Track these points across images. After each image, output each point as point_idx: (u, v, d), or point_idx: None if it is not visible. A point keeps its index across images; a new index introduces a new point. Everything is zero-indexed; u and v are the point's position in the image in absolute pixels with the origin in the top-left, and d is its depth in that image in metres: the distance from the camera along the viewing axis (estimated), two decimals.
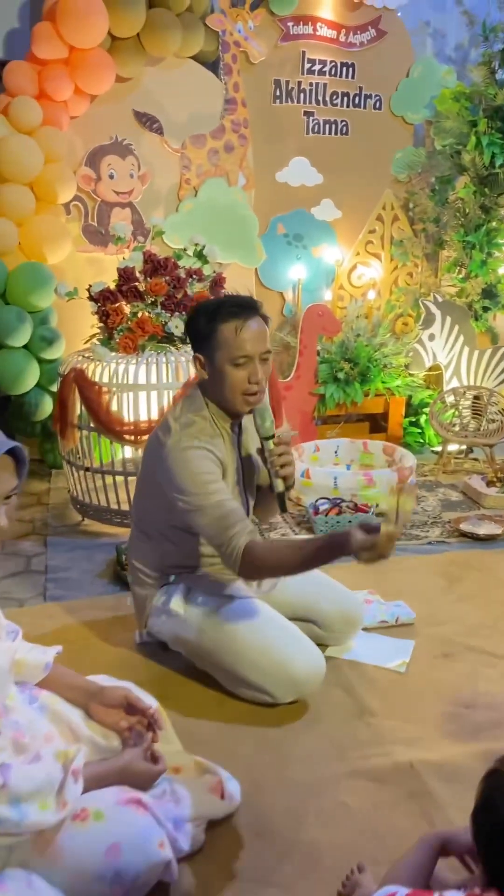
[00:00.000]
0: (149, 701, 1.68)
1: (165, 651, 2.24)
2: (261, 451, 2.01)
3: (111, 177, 4.10)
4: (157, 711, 1.65)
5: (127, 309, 3.20)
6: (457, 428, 4.19)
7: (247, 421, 2.12)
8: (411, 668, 2.21)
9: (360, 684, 2.12)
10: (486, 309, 4.64)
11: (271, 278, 4.61)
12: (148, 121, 4.14)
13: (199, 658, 2.11)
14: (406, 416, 4.59)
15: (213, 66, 4.24)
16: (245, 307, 1.95)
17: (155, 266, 3.27)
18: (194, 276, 3.36)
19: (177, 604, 2.09)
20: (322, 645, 2.26)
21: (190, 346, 2.06)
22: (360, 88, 4.54)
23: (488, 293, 4.60)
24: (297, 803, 1.67)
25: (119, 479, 3.26)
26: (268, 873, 1.48)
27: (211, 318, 1.94)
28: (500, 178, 4.34)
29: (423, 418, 4.61)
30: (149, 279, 3.23)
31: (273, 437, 1.97)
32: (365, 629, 2.39)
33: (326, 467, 3.81)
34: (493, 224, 4.48)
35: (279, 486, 1.98)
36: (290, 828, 1.60)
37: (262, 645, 1.96)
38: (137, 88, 4.08)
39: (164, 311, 3.23)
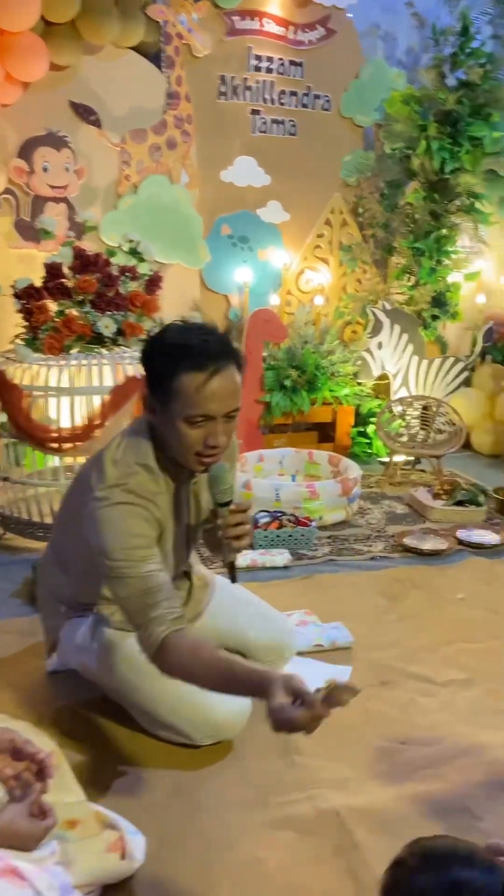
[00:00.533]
0: (42, 745, 1.47)
1: (79, 679, 2.03)
2: (213, 514, 1.70)
3: (45, 170, 3.88)
4: (49, 757, 1.43)
5: (53, 307, 2.98)
6: (404, 438, 4.07)
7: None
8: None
9: None
10: (434, 318, 4.54)
11: (216, 281, 4.44)
12: (85, 112, 3.94)
13: (112, 692, 1.91)
14: (354, 426, 4.46)
15: (155, 58, 4.06)
16: (216, 356, 1.54)
17: (85, 262, 3.06)
18: (128, 274, 3.16)
19: (84, 636, 1.88)
20: None
21: (120, 347, 1.74)
22: (309, 88, 4.42)
23: (437, 301, 4.51)
24: (207, 861, 1.47)
25: (43, 489, 3.03)
26: None
27: (171, 361, 1.54)
28: (449, 185, 4.26)
29: (371, 428, 4.48)
30: (77, 276, 3.02)
31: (229, 503, 1.63)
32: (299, 654, 2.21)
33: (269, 478, 3.64)
34: (443, 231, 4.39)
35: (231, 557, 1.66)
36: (196, 891, 1.40)
37: (179, 687, 1.74)
38: (74, 78, 3.88)
39: (93, 311, 3.02)
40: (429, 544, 3.07)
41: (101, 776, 1.69)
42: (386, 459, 4.15)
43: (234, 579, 1.69)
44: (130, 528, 1.58)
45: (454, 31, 4.10)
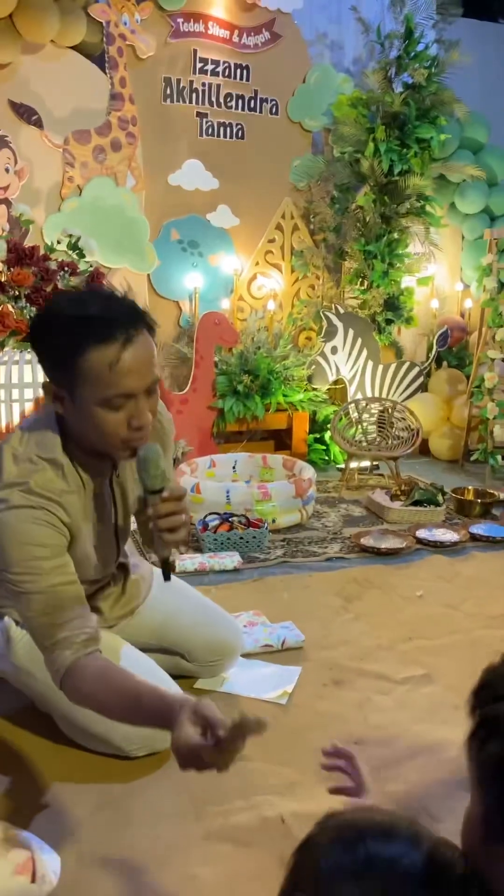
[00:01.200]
0: None
1: (3, 687, 1.84)
2: (144, 504, 1.42)
3: None
4: None
5: None
6: (362, 443, 3.97)
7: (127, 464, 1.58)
8: (294, 699, 1.88)
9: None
10: (389, 321, 4.48)
11: (165, 286, 4.32)
12: (26, 112, 3.83)
13: (37, 699, 1.72)
14: (310, 433, 4.35)
15: (98, 59, 3.97)
16: (125, 323, 1.31)
17: (20, 255, 2.91)
18: (66, 269, 3.02)
19: (8, 625, 1.69)
20: (192, 677, 1.91)
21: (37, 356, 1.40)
22: (256, 92, 4.37)
23: (391, 305, 4.45)
24: (133, 880, 1.30)
25: None
26: None
27: (73, 339, 1.30)
28: (399, 187, 4.22)
29: (327, 434, 4.37)
30: (11, 269, 2.87)
31: (160, 491, 1.36)
32: (245, 655, 2.06)
33: (219, 482, 3.49)
34: (395, 235, 4.35)
35: (163, 552, 1.40)
36: None
37: None
38: (14, 77, 3.77)
39: (28, 305, 2.87)
40: (386, 543, 2.94)
41: (16, 793, 1.51)
42: (343, 466, 4.04)
43: (167, 577, 1.45)
44: (31, 537, 1.36)
45: (399, 34, 4.10)
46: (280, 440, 4.34)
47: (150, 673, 1.63)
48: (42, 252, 3.01)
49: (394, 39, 4.13)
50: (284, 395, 4.16)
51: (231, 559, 2.74)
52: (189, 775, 1.55)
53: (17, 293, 2.88)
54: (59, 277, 3.00)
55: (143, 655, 1.71)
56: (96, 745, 1.62)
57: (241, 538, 2.89)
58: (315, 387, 4.30)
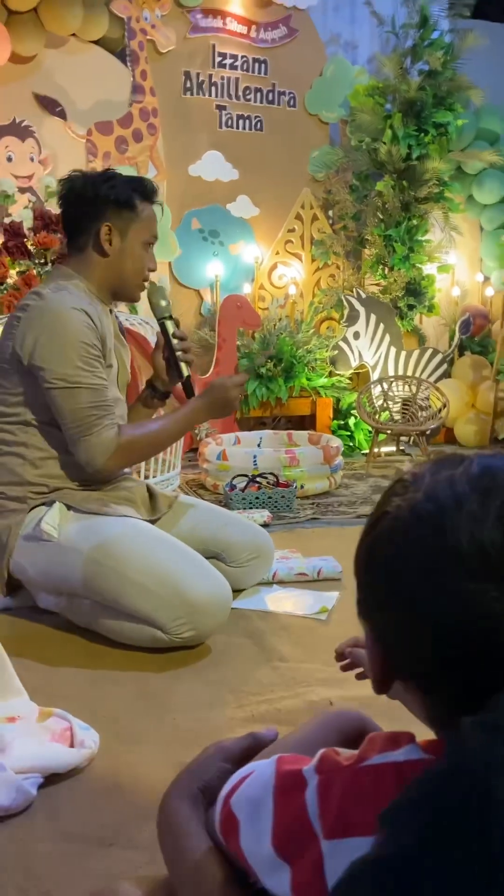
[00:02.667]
0: None
1: (35, 612, 1.79)
2: (160, 334, 1.84)
3: (9, 159, 3.82)
4: None
5: (9, 262, 2.85)
6: (389, 420, 3.92)
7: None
8: (334, 617, 1.81)
9: (271, 631, 1.72)
10: (410, 307, 4.47)
11: (187, 275, 4.35)
12: (50, 104, 3.92)
13: (74, 599, 1.68)
14: (334, 419, 4.31)
15: (119, 54, 4.08)
16: (154, 190, 1.82)
17: (46, 222, 2.95)
18: None
19: (50, 524, 1.65)
20: None
21: (82, 212, 1.75)
22: (274, 85, 4.46)
23: (412, 291, 4.44)
24: (172, 755, 1.22)
25: None
26: (116, 834, 1.02)
27: (134, 191, 1.75)
28: (417, 171, 4.26)
29: (351, 421, 4.33)
30: (38, 234, 2.91)
31: (171, 316, 1.84)
32: (280, 583, 1.99)
33: (247, 447, 3.44)
34: (414, 222, 4.37)
35: (185, 369, 1.81)
36: (159, 781, 1.14)
37: (153, 566, 1.57)
38: (38, 70, 3.87)
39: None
40: None
41: (54, 684, 1.45)
42: (367, 451, 3.99)
43: (191, 393, 1.79)
44: (87, 336, 1.65)
45: (413, 24, 4.18)
46: (303, 427, 4.30)
47: (183, 552, 1.64)
48: None
49: (409, 29, 4.21)
50: (308, 379, 4.14)
51: (261, 514, 2.68)
52: (226, 671, 1.51)
53: (43, 259, 2.91)
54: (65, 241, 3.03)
55: (178, 540, 1.70)
56: (137, 635, 1.59)
57: (270, 497, 2.83)
58: (338, 372, 4.28)
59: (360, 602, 0.57)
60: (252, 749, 0.75)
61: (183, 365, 1.80)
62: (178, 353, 1.80)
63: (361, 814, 0.52)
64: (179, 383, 1.83)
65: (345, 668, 1.00)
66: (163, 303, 1.82)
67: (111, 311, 1.86)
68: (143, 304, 3.28)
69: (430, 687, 0.53)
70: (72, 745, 1.19)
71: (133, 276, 1.79)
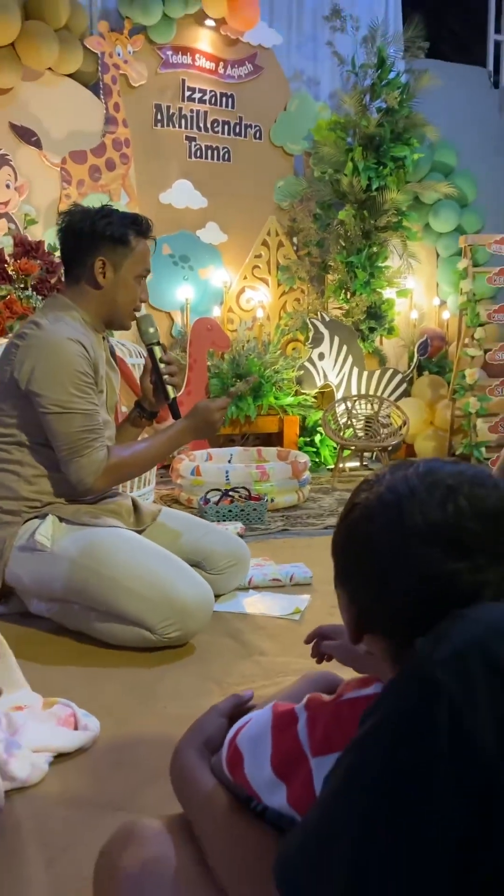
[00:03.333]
0: None
1: (26, 618, 1.91)
2: (148, 359, 1.97)
3: None
4: None
5: None
6: (353, 437, 4.11)
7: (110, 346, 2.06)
8: (308, 617, 1.97)
9: (250, 630, 1.86)
10: (371, 329, 4.70)
11: (158, 298, 4.51)
12: (25, 133, 4.07)
13: (66, 605, 1.80)
14: (301, 436, 4.50)
15: (94, 88, 4.26)
16: (149, 227, 1.93)
17: (26, 249, 3.08)
18: None
19: (43, 535, 1.78)
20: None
21: (79, 245, 1.86)
22: (241, 118, 4.68)
23: (373, 314, 4.67)
24: (167, 735, 1.36)
25: None
26: (123, 800, 1.16)
27: (129, 227, 1.86)
28: (377, 202, 4.50)
29: (317, 437, 4.52)
30: (18, 261, 3.04)
31: (159, 342, 1.96)
32: (255, 588, 2.14)
33: (218, 463, 3.59)
34: (374, 249, 4.61)
35: (171, 392, 1.94)
36: (157, 756, 1.28)
37: (142, 572, 1.70)
38: (14, 101, 4.02)
39: (35, 294, 3.02)
40: None
41: (52, 680, 1.57)
42: (332, 467, 4.18)
43: (176, 414, 1.92)
44: (80, 365, 1.76)
45: (372, 64, 4.44)
46: (271, 444, 4.47)
47: (169, 559, 1.77)
48: (45, 247, 3.19)
49: (367, 69, 4.48)
50: (275, 398, 4.32)
51: (234, 526, 2.83)
52: (210, 666, 1.65)
53: (23, 284, 3.04)
54: (62, 271, 3.17)
55: (163, 548, 1.83)
56: (127, 636, 1.71)
57: (242, 510, 2.98)
58: (304, 391, 4.47)
59: (337, 574, 0.73)
60: (238, 705, 0.91)
61: (169, 388, 1.93)
62: (165, 377, 1.93)
63: (341, 734, 0.67)
64: (166, 404, 1.97)
65: (320, 659, 1.13)
66: (150, 330, 1.93)
67: (104, 338, 1.98)
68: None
69: (394, 635, 0.68)
70: (76, 729, 1.32)
71: (125, 307, 1.90)
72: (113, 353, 2.06)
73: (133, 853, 0.77)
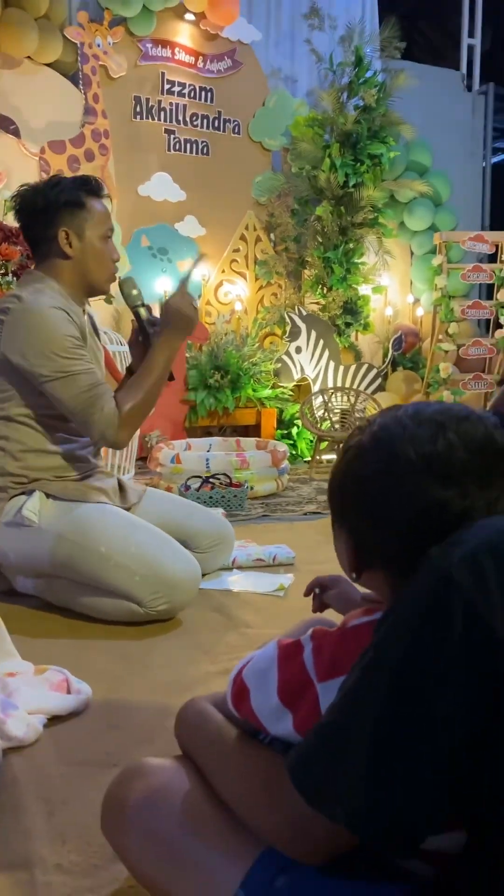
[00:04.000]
0: None
1: (12, 595, 1.91)
2: (136, 321, 1.90)
3: None
4: None
5: None
6: (330, 429, 4.16)
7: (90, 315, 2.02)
8: (292, 593, 2.00)
9: (235, 605, 1.89)
10: (347, 324, 4.76)
11: None
12: (3, 122, 4.04)
13: (53, 580, 1.81)
14: (278, 429, 4.53)
15: (73, 78, 4.25)
16: (99, 185, 1.91)
17: (6, 234, 3.07)
18: None
19: (31, 510, 1.78)
20: None
21: (37, 222, 1.84)
22: (220, 113, 4.71)
23: (349, 309, 4.74)
24: (159, 699, 1.38)
25: None
26: (120, 757, 1.18)
27: (80, 189, 1.83)
28: (353, 198, 4.57)
29: (294, 430, 4.57)
30: None
31: (144, 304, 1.90)
32: (239, 568, 2.17)
33: (198, 452, 3.61)
34: (351, 245, 4.68)
35: None
36: (151, 718, 1.31)
37: (130, 545, 1.72)
38: None
39: (16, 279, 3.02)
40: None
41: (42, 651, 1.58)
42: (309, 459, 4.22)
43: (170, 377, 1.90)
44: (68, 330, 1.76)
45: (349, 62, 4.50)
46: (249, 436, 4.50)
47: (156, 534, 1.79)
48: None
49: (345, 67, 4.54)
50: (253, 390, 4.35)
51: (216, 512, 2.85)
52: (199, 638, 1.67)
53: (3, 269, 3.03)
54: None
55: (149, 524, 1.84)
56: (114, 610, 1.72)
57: (223, 496, 3.01)
58: (282, 384, 4.51)
59: (334, 514, 0.76)
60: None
61: None
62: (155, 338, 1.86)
63: (347, 659, 0.70)
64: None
65: (315, 607, 1.17)
66: (134, 292, 1.89)
67: (84, 311, 1.95)
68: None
69: (391, 564, 0.72)
70: (69, 693, 1.34)
71: (99, 272, 1.87)
72: (95, 329, 2.05)
73: (140, 785, 0.79)
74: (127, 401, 1.78)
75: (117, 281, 1.93)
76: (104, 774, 1.11)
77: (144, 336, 1.88)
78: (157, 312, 1.90)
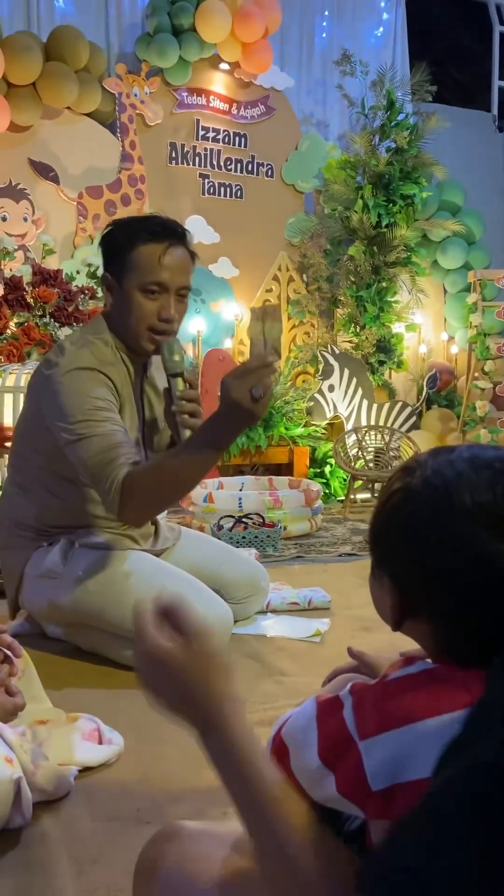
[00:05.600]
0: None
1: (44, 639, 1.89)
2: (167, 391, 1.65)
3: (3, 219, 4.03)
4: (14, 642, 1.32)
5: (10, 314, 3.01)
6: (364, 468, 4.12)
7: (156, 366, 1.83)
8: (328, 639, 1.94)
9: (270, 652, 1.84)
10: (381, 363, 4.74)
11: None
12: (43, 170, 4.17)
13: (81, 628, 1.78)
14: (311, 467, 4.50)
15: (111, 126, 4.37)
16: (172, 231, 1.67)
17: (44, 277, 3.14)
18: (86, 293, 3.25)
19: (54, 561, 1.77)
20: None
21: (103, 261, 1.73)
22: (253, 157, 4.79)
23: (382, 348, 4.72)
24: (194, 752, 1.32)
25: None
26: (152, 814, 1.13)
27: (130, 234, 1.65)
28: (386, 238, 4.58)
29: (327, 469, 4.52)
30: (36, 289, 3.09)
31: (182, 374, 1.63)
32: (273, 611, 2.12)
33: (231, 491, 3.59)
34: (384, 284, 4.68)
35: (185, 435, 1.60)
36: (185, 771, 1.26)
37: (157, 593, 1.65)
38: (34, 138, 4.13)
39: (53, 321, 3.07)
40: None
41: (72, 700, 1.54)
42: (343, 498, 4.17)
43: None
44: (90, 390, 1.60)
45: (381, 106, 4.57)
46: (281, 475, 4.47)
47: (185, 579, 1.73)
48: (63, 276, 3.24)
49: (377, 111, 4.60)
50: (286, 429, 4.33)
51: (248, 553, 2.81)
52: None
53: (41, 311, 3.09)
54: (80, 299, 3.22)
55: (179, 569, 1.80)
56: None
57: (256, 537, 2.97)
58: (314, 422, 4.48)
59: (377, 559, 0.73)
60: None
61: (186, 431, 1.60)
62: (182, 417, 1.61)
63: (389, 714, 0.66)
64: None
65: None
66: (176, 358, 1.63)
67: (145, 364, 1.80)
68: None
69: (436, 617, 0.68)
70: (100, 743, 1.30)
71: (133, 327, 1.67)
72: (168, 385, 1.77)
73: (174, 851, 0.75)
74: (141, 476, 1.51)
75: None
76: (135, 832, 1.07)
77: (170, 410, 1.63)
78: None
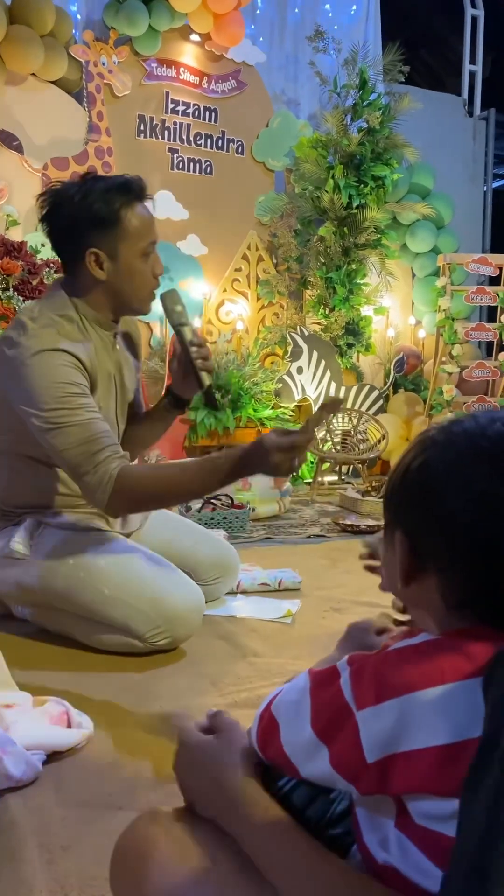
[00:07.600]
0: None
1: (11, 620, 1.83)
2: (179, 342, 1.66)
3: None
4: None
5: None
6: (332, 450, 4.11)
7: (125, 332, 1.84)
8: (299, 620, 1.93)
9: (242, 633, 1.81)
10: (349, 345, 4.72)
11: None
12: (7, 138, 4.02)
13: (49, 610, 1.72)
14: None
15: (77, 96, 4.24)
16: (130, 186, 1.60)
17: (7, 249, 3.04)
18: (51, 266, 3.15)
19: (20, 543, 1.71)
20: None
21: (62, 239, 1.60)
22: (223, 132, 4.70)
23: (351, 330, 4.70)
24: (165, 735, 1.30)
25: None
26: (124, 799, 1.10)
27: (115, 198, 1.56)
28: (357, 220, 4.55)
29: None
30: (0, 261, 2.99)
31: (186, 325, 1.65)
32: (244, 592, 2.10)
33: None
34: (353, 266, 4.65)
35: (205, 379, 1.64)
36: (156, 755, 1.23)
37: (127, 577, 1.62)
38: None
39: (16, 294, 2.97)
40: (367, 523, 3.04)
41: (39, 683, 1.50)
42: (310, 480, 4.16)
43: (214, 404, 1.69)
44: (61, 374, 1.52)
45: (354, 85, 4.51)
46: None
47: (156, 561, 1.69)
48: (27, 248, 3.14)
49: (349, 90, 4.55)
50: (254, 410, 4.30)
51: (217, 534, 2.78)
52: (204, 668, 1.59)
53: (4, 284, 2.99)
54: (44, 272, 3.13)
55: (150, 550, 1.75)
56: (114, 643, 1.64)
57: (225, 518, 2.94)
58: (282, 404, 4.46)
59: (392, 513, 0.70)
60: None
61: (204, 374, 1.63)
62: (198, 362, 1.63)
63: (389, 684, 0.63)
64: (199, 391, 1.68)
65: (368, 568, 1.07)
66: (178, 308, 1.64)
67: (115, 334, 1.74)
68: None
69: (447, 574, 0.65)
70: (69, 727, 1.26)
71: (136, 293, 1.64)
72: (134, 351, 1.88)
73: (163, 834, 0.72)
74: (141, 478, 1.50)
75: (158, 296, 1.69)
76: (107, 818, 1.04)
77: (187, 358, 1.63)
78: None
